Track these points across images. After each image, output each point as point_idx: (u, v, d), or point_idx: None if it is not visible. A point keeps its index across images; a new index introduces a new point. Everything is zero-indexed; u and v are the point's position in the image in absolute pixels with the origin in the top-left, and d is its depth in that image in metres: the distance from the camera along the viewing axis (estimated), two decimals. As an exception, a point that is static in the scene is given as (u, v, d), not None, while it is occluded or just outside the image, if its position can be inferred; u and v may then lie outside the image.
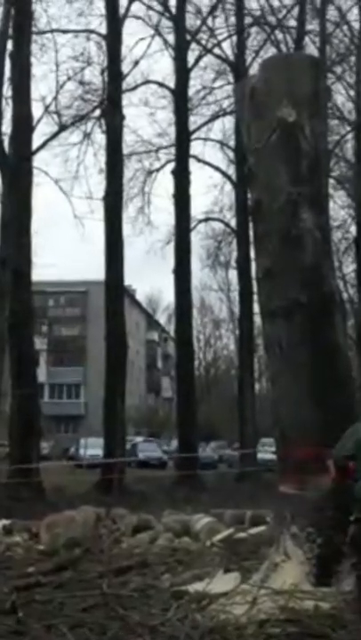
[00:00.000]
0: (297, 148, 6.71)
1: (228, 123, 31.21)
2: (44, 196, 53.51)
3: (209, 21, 29.39)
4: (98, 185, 26.05)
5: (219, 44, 29.84)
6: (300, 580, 5.48)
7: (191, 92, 29.20)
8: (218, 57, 29.97)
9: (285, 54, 9.75)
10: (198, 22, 29.16)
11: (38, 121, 23.92)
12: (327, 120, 29.36)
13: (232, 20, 29.60)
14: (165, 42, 28.93)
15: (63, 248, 55.63)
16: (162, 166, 30.70)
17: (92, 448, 28.56)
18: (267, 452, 35.76)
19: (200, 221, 32.46)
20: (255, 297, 33.79)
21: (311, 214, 6.65)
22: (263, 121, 6.83)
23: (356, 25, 30.26)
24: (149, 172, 30.89)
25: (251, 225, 30.32)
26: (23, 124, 21.65)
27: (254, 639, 4.17)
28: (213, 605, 5.03)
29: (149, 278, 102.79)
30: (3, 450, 22.38)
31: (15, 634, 4.40)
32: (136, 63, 27.04)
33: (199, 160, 30.54)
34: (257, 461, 28.20)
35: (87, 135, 27.63)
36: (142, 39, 28.29)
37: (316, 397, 6.24)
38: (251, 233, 31.42)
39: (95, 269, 34.62)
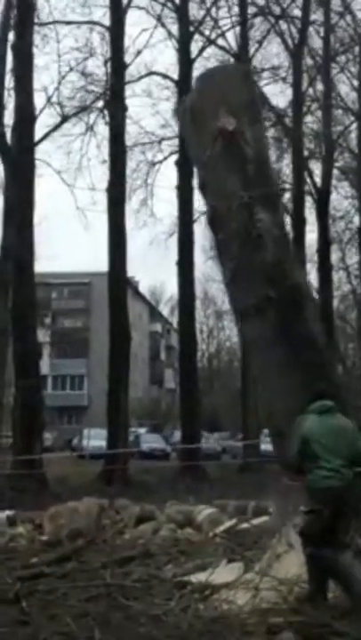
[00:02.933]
0: (241, 154, 6.97)
1: (232, 114, 31.10)
2: (46, 188, 53.42)
3: (212, 12, 29.28)
4: (101, 176, 26.03)
5: (222, 35, 29.74)
6: (302, 570, 5.49)
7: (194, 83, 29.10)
8: (221, 48, 29.86)
9: (217, 67, 10.24)
10: (202, 13, 29.04)
11: (40, 112, 23.88)
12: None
13: (236, 10, 29.46)
14: (169, 33, 28.85)
15: (66, 240, 55.72)
16: (165, 158, 30.64)
17: (96, 439, 28.60)
18: (270, 442, 35.95)
19: (203, 213, 32.41)
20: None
21: (266, 214, 6.88)
22: (206, 133, 7.07)
23: (360, 15, 30.16)
24: (153, 164, 30.83)
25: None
26: (25, 114, 21.60)
27: (257, 628, 4.19)
28: (216, 595, 5.05)
29: (153, 270, 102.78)
30: (6, 441, 22.42)
31: (19, 623, 4.43)
32: (138, 53, 26.98)
33: (202, 151, 30.46)
34: (260, 452, 28.23)
35: (90, 127, 27.59)
36: (145, 30, 28.28)
37: (301, 389, 6.31)
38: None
39: (98, 261, 34.60)
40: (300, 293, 6.83)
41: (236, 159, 6.92)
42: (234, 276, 6.98)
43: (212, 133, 6.96)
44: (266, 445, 32.46)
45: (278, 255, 6.81)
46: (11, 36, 23.35)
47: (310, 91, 31.27)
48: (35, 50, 22.83)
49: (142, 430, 45.35)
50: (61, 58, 26.17)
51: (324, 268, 31.88)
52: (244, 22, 29.08)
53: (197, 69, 29.10)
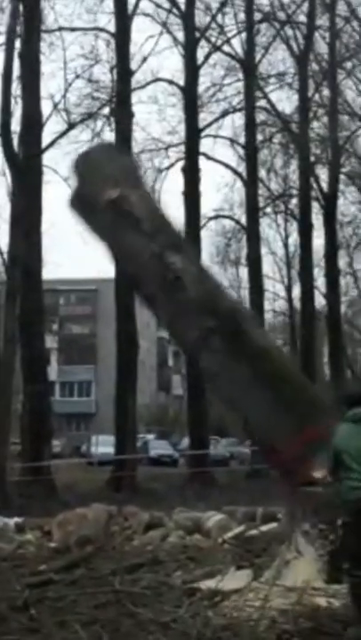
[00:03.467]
0: (132, 216, 7.36)
1: (239, 120, 31.13)
2: (54, 195, 53.50)
3: (218, 18, 29.29)
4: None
5: (228, 41, 29.75)
6: (311, 577, 5.48)
7: (201, 89, 29.11)
8: (227, 54, 29.87)
9: (87, 150, 10.68)
10: (207, 19, 29.08)
11: (47, 119, 23.89)
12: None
13: (241, 16, 29.50)
14: (174, 39, 28.90)
15: (74, 246, 55.59)
16: (172, 164, 30.64)
17: (104, 446, 28.60)
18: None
19: (210, 219, 32.44)
20: (266, 294, 33.87)
21: (177, 256, 7.15)
22: (98, 211, 7.48)
23: (366, 20, 30.14)
24: (159, 170, 30.85)
25: (260, 222, 30.25)
26: (32, 122, 21.69)
27: (266, 635, 4.17)
28: (225, 602, 5.04)
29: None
30: (14, 448, 22.44)
31: (28, 631, 4.42)
32: (144, 59, 26.96)
33: (209, 157, 30.48)
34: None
35: (97, 134, 27.61)
36: (151, 36, 28.25)
37: (271, 399, 6.41)
38: (261, 229, 31.50)
39: (106, 267, 34.59)
40: (237, 314, 7.08)
41: (129, 222, 7.34)
42: (170, 321, 7.30)
43: (103, 207, 7.39)
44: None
45: (202, 289, 7.07)
46: (17, 43, 23.42)
47: (316, 96, 31.27)
48: (41, 57, 22.95)
49: (150, 437, 45.30)
50: (67, 65, 26.11)
51: (332, 274, 31.84)
52: (249, 28, 29.11)
53: (203, 75, 29.24)
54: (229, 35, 29.68)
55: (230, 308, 7.19)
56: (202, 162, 28.62)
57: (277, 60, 30.92)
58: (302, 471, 5.92)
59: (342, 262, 34.52)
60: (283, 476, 6.11)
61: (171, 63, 56.96)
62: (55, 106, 25.45)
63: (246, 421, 6.53)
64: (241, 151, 31.05)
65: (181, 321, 7.08)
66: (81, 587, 5.61)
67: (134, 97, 26.32)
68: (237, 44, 29.97)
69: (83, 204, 7.59)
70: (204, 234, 29.56)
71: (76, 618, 4.58)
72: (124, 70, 24.88)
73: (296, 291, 39.18)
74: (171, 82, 29.40)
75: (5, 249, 22.03)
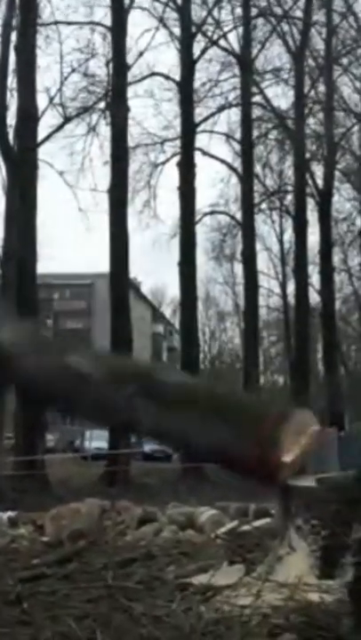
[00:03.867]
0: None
1: (234, 115, 31.17)
2: (49, 189, 53.47)
3: (215, 12, 29.31)
4: (103, 177, 26.04)
5: (224, 36, 29.79)
6: (304, 572, 5.48)
7: (197, 84, 29.15)
8: (224, 49, 29.88)
9: None
10: (204, 13, 29.08)
11: (43, 113, 23.89)
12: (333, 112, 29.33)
13: (238, 11, 29.51)
14: (171, 33, 28.88)
15: (68, 241, 55.92)
16: (167, 159, 30.67)
17: (98, 440, 28.63)
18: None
19: (205, 214, 32.49)
20: (260, 290, 33.88)
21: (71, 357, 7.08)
22: None
23: (362, 16, 30.14)
24: (155, 165, 30.87)
25: (256, 218, 30.27)
26: (28, 115, 21.66)
27: (259, 630, 4.18)
28: (218, 597, 5.04)
29: (155, 271, 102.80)
30: (8, 442, 22.44)
31: (20, 624, 4.42)
32: (141, 54, 26.99)
33: (205, 153, 30.50)
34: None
35: (92, 128, 27.61)
36: (148, 30, 28.23)
37: (216, 425, 6.33)
38: (256, 226, 31.50)
39: (101, 262, 34.66)
40: (142, 369, 6.94)
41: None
42: (90, 411, 7.26)
43: None
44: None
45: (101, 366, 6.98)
46: (13, 36, 23.36)
47: (312, 93, 31.32)
48: (37, 50, 22.91)
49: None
50: (63, 59, 26.14)
51: (326, 270, 31.91)
52: (246, 23, 29.11)
53: (199, 70, 29.21)
54: (226, 29, 29.79)
55: (133, 365, 6.99)
56: (197, 157, 28.67)
57: (273, 55, 31.00)
58: (274, 463, 5.89)
59: (337, 259, 34.62)
60: (260, 479, 6.07)
61: (167, 58, 56.90)
62: (51, 99, 25.49)
63: (204, 449, 6.39)
64: (237, 147, 31.09)
65: (106, 405, 6.88)
66: (73, 581, 5.61)
67: (130, 91, 26.37)
68: (234, 39, 30.03)
69: None
70: (199, 229, 29.56)
71: (68, 612, 4.58)
72: (120, 64, 24.86)
73: (291, 287, 39.21)
74: (167, 76, 29.43)
75: (0, 243, 22.02)
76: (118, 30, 24.79)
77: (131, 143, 26.41)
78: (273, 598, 4.82)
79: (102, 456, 24.57)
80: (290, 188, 33.61)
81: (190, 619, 4.36)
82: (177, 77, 28.69)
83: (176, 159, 28.90)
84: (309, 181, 31.66)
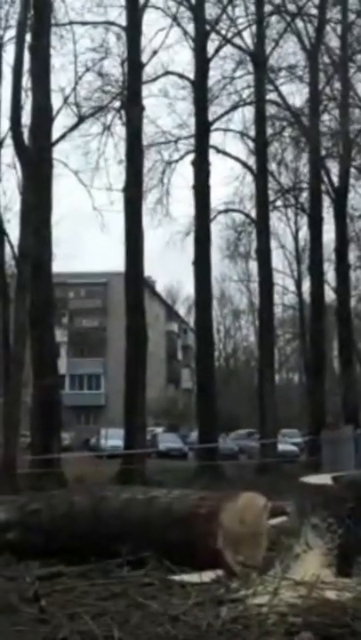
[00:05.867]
0: None
1: (249, 113, 31.14)
2: (64, 188, 53.67)
3: (228, 10, 29.29)
4: (118, 176, 26.10)
5: (239, 34, 29.72)
6: (321, 570, 5.48)
7: (211, 82, 29.14)
8: (238, 47, 29.83)
9: None
10: (218, 11, 29.06)
11: (57, 112, 23.96)
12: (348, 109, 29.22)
13: (252, 8, 29.44)
14: (185, 32, 28.88)
15: (84, 239, 56.10)
16: (181, 157, 30.71)
17: (113, 439, 28.69)
18: (287, 442, 35.89)
19: (220, 212, 32.48)
20: (275, 288, 33.80)
21: None
22: None
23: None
24: (169, 163, 30.89)
25: (271, 215, 30.28)
26: (43, 115, 21.71)
27: (276, 629, 4.18)
28: (235, 595, 5.05)
29: (169, 269, 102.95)
30: (24, 440, 22.54)
31: (38, 622, 4.45)
32: (155, 53, 26.98)
33: (219, 151, 30.48)
34: (277, 452, 28.20)
35: (107, 127, 27.67)
36: (162, 29, 28.24)
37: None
38: (271, 223, 31.42)
39: (115, 261, 34.73)
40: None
41: None
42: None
43: None
44: (283, 445, 32.49)
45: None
46: (27, 36, 23.42)
47: (327, 89, 31.21)
48: (51, 51, 22.95)
49: (159, 430, 45.44)
50: (78, 58, 26.20)
51: (342, 268, 31.83)
52: (260, 21, 29.05)
53: (213, 69, 29.19)
54: (240, 27, 29.71)
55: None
56: (212, 155, 28.66)
57: (288, 52, 30.90)
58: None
59: (352, 256, 34.50)
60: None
61: (181, 57, 57.05)
62: (65, 99, 25.54)
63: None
64: (251, 144, 31.04)
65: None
66: (91, 578, 5.63)
67: (145, 90, 26.35)
68: (248, 37, 29.97)
69: None
70: (213, 227, 29.59)
71: (85, 610, 4.60)
72: (134, 64, 24.89)
73: (306, 285, 39.20)
74: (181, 75, 29.44)
75: (15, 242, 22.10)
76: (133, 30, 24.81)
77: (145, 142, 26.45)
78: (290, 596, 4.83)
79: (118, 455, 24.62)
80: (305, 185, 33.54)
81: (208, 617, 4.37)
82: (191, 76, 28.70)
83: (190, 157, 28.91)
84: (325, 178, 31.58)
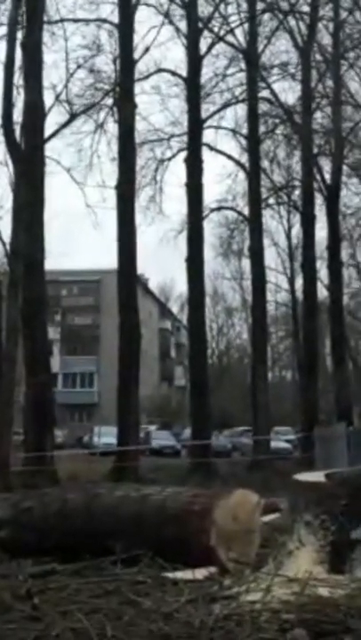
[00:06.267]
0: None
1: (241, 110, 31.13)
2: (57, 185, 53.53)
3: (221, 8, 29.25)
4: (111, 174, 26.07)
5: (231, 32, 29.68)
6: (314, 567, 5.50)
7: (203, 79, 29.10)
8: (230, 44, 29.80)
9: None
10: (210, 9, 29.02)
11: (49, 110, 23.87)
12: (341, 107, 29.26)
13: (244, 6, 29.41)
14: (177, 29, 28.84)
15: (76, 237, 55.99)
16: (174, 155, 30.67)
17: (106, 436, 28.73)
18: (280, 440, 35.94)
19: (213, 210, 32.45)
20: (268, 286, 33.83)
21: None
22: None
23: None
24: (161, 161, 30.85)
25: (263, 213, 30.27)
26: (34, 112, 21.66)
27: (269, 625, 4.19)
28: (228, 592, 5.06)
29: (162, 267, 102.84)
30: (17, 438, 22.51)
31: (31, 620, 4.44)
32: (147, 50, 26.91)
33: (212, 148, 30.46)
34: (270, 449, 28.24)
35: (100, 124, 27.61)
36: (154, 27, 28.17)
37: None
38: (264, 221, 31.43)
39: (108, 258, 34.74)
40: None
41: None
42: None
43: None
44: (276, 443, 32.53)
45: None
46: (19, 33, 23.36)
47: (320, 87, 31.23)
48: (43, 47, 22.87)
49: (153, 427, 45.43)
50: (69, 55, 26.11)
51: (335, 265, 31.88)
52: (252, 19, 29.03)
53: (206, 66, 29.17)
54: (232, 25, 29.67)
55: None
56: (204, 153, 28.63)
57: (280, 50, 30.89)
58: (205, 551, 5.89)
59: (345, 254, 34.59)
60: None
61: (174, 54, 56.95)
62: (57, 96, 25.44)
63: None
64: (243, 142, 31.03)
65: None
66: (84, 576, 5.63)
67: (137, 87, 26.32)
68: (240, 35, 29.92)
69: None
70: (206, 225, 29.58)
71: (78, 607, 4.60)
72: (127, 61, 24.86)
73: (299, 282, 39.24)
74: (173, 73, 29.40)
75: (8, 240, 22.04)
76: (125, 27, 24.76)
77: (137, 139, 26.42)
78: (283, 593, 4.84)
79: (111, 452, 24.63)
80: (297, 182, 33.55)
81: (200, 614, 4.37)
82: (184, 73, 28.68)
83: (183, 155, 28.89)
84: (317, 176, 31.61)
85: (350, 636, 4.01)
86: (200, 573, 5.60)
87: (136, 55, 25.87)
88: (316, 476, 6.37)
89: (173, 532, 6.06)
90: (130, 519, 6.35)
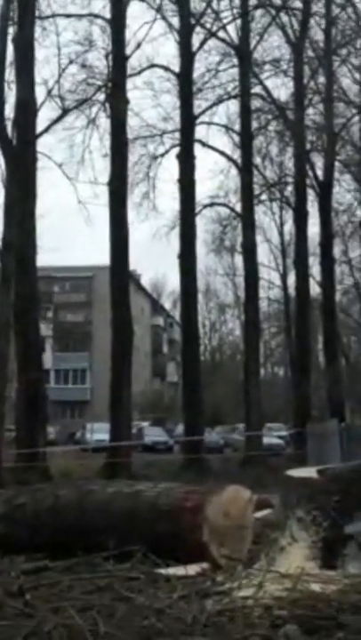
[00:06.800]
0: None
1: (233, 106, 31.12)
2: (49, 181, 53.41)
3: (213, 4, 29.20)
4: (103, 170, 26.02)
5: (224, 27, 29.65)
6: (306, 563, 5.50)
7: (196, 75, 29.07)
8: (222, 40, 29.77)
9: None
10: (203, 5, 28.97)
11: (41, 105, 23.83)
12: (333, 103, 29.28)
13: (237, 2, 29.36)
14: (169, 25, 28.78)
15: (68, 233, 55.92)
16: (167, 151, 30.62)
17: (99, 433, 28.70)
18: (273, 436, 36.01)
19: (205, 206, 32.43)
20: (261, 282, 33.86)
21: None
22: None
23: (361, 7, 29.98)
24: (154, 157, 30.81)
25: (256, 209, 30.20)
26: (26, 107, 21.60)
27: (260, 621, 4.19)
28: (220, 588, 5.06)
29: (154, 263, 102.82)
30: (9, 434, 22.48)
31: (23, 616, 4.44)
32: (139, 45, 26.84)
33: (204, 144, 30.43)
34: (262, 446, 28.28)
35: (92, 120, 27.54)
36: (147, 22, 28.12)
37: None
38: (256, 217, 31.43)
39: (101, 254, 34.71)
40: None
41: None
42: None
43: None
44: (269, 439, 32.58)
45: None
46: (10, 29, 23.29)
47: (312, 83, 31.24)
48: (35, 43, 22.81)
49: (145, 424, 45.45)
50: (61, 51, 26.04)
51: (327, 262, 31.92)
52: (245, 14, 29.00)
53: (198, 62, 29.12)
54: (225, 21, 29.64)
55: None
56: (197, 149, 28.59)
57: (273, 46, 30.88)
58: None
59: (337, 250, 34.66)
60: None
61: (166, 49, 56.89)
62: (49, 92, 25.39)
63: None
64: (236, 138, 31.00)
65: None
66: (76, 572, 5.63)
67: (129, 83, 26.25)
68: (233, 31, 29.90)
69: None
70: (198, 221, 29.57)
71: (70, 603, 4.60)
72: (119, 56, 24.80)
73: (291, 279, 39.29)
74: (166, 68, 29.34)
75: (0, 235, 22.01)
76: (117, 22, 24.70)
77: (130, 135, 26.37)
78: (275, 589, 4.84)
79: (103, 448, 24.62)
80: (290, 179, 33.57)
81: (193, 610, 4.37)
82: (176, 69, 28.62)
83: (175, 151, 28.86)
84: (310, 172, 31.62)
85: (342, 631, 4.01)
86: (192, 569, 5.60)
87: (128, 50, 25.84)
88: (309, 472, 6.37)
89: (166, 528, 6.06)
90: (122, 515, 6.35)
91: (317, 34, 30.84)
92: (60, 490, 7.27)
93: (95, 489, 6.97)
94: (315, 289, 34.55)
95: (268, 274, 44.77)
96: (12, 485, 14.66)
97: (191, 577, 5.42)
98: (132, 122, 27.57)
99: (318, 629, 4.07)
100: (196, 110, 28.98)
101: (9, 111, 23.06)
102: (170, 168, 30.86)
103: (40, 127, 23.90)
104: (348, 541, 5.67)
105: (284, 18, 29.99)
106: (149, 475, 19.98)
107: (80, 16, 26.73)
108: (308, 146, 30.61)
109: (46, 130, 25.21)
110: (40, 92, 23.95)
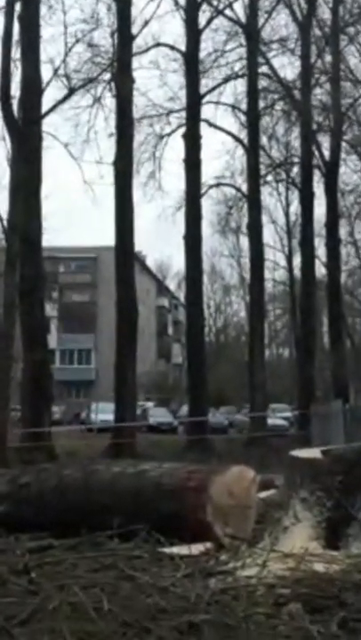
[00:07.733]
0: None
1: (240, 86, 30.87)
2: (54, 161, 53.24)
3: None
4: (108, 150, 25.89)
5: (230, 5, 29.41)
6: (309, 543, 5.53)
7: (202, 54, 28.85)
8: (229, 19, 29.51)
9: None
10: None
11: (47, 84, 23.62)
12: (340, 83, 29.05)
13: (244, -21, 29.07)
14: (176, 3, 28.52)
15: (74, 213, 55.88)
16: (173, 131, 30.46)
17: (103, 413, 28.79)
18: (277, 417, 36.10)
19: (211, 186, 32.33)
20: (266, 263, 33.80)
21: None
22: None
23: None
24: (160, 137, 30.65)
25: (262, 190, 30.07)
26: (32, 86, 21.48)
27: (264, 600, 4.22)
28: (224, 567, 5.09)
29: (160, 244, 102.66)
30: (15, 414, 22.59)
31: (28, 594, 4.47)
32: (145, 24, 26.61)
33: (210, 124, 30.25)
34: (266, 426, 28.36)
35: (97, 99, 27.36)
36: (153, 0, 27.88)
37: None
38: (262, 198, 31.29)
39: (106, 235, 34.64)
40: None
41: None
42: None
43: None
44: (273, 420, 32.67)
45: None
46: (17, 6, 23.06)
47: (319, 63, 30.98)
48: (41, 21, 22.62)
49: (150, 404, 45.57)
50: (68, 29, 25.76)
51: (333, 243, 31.80)
52: (252, -8, 28.71)
53: (205, 40, 28.88)
54: (232, -1, 29.26)
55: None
56: (203, 129, 28.44)
57: (280, 25, 30.64)
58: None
59: (343, 231, 34.49)
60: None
61: (172, 27, 56.32)
62: (55, 71, 25.11)
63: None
64: (243, 118, 30.81)
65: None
66: (80, 551, 5.66)
67: (135, 62, 26.08)
68: (240, 9, 29.63)
69: None
70: (204, 202, 29.48)
71: (75, 581, 4.63)
72: (125, 35, 24.59)
73: (297, 260, 39.22)
74: (172, 47, 29.11)
75: (5, 216, 21.94)
76: (123, 0, 24.47)
77: (136, 114, 26.23)
78: (279, 568, 4.87)
79: (108, 428, 24.72)
80: (296, 159, 33.39)
81: (197, 588, 4.40)
82: (182, 48, 28.40)
83: (181, 131, 28.70)
84: (316, 153, 31.44)
85: (345, 610, 4.04)
86: (196, 548, 5.63)
87: (135, 29, 25.62)
88: (313, 453, 6.38)
89: (170, 508, 6.09)
90: (127, 495, 6.38)
91: (325, 12, 30.59)
92: (64, 469, 7.30)
93: (100, 469, 7.00)
94: (320, 270, 34.50)
95: (274, 255, 44.72)
96: (17, 465, 14.75)
97: (195, 556, 5.45)
98: (138, 101, 27.46)
99: (321, 608, 4.10)
100: (203, 90, 28.81)
101: (15, 90, 22.89)
102: (176, 148, 30.70)
103: (46, 106, 23.75)
104: (351, 522, 5.69)
105: (292, -5, 29.70)
106: (154, 455, 20.07)
107: (87, -7, 26.50)
108: (314, 126, 30.42)
109: (52, 109, 25.02)
110: (46, 71, 23.84)
